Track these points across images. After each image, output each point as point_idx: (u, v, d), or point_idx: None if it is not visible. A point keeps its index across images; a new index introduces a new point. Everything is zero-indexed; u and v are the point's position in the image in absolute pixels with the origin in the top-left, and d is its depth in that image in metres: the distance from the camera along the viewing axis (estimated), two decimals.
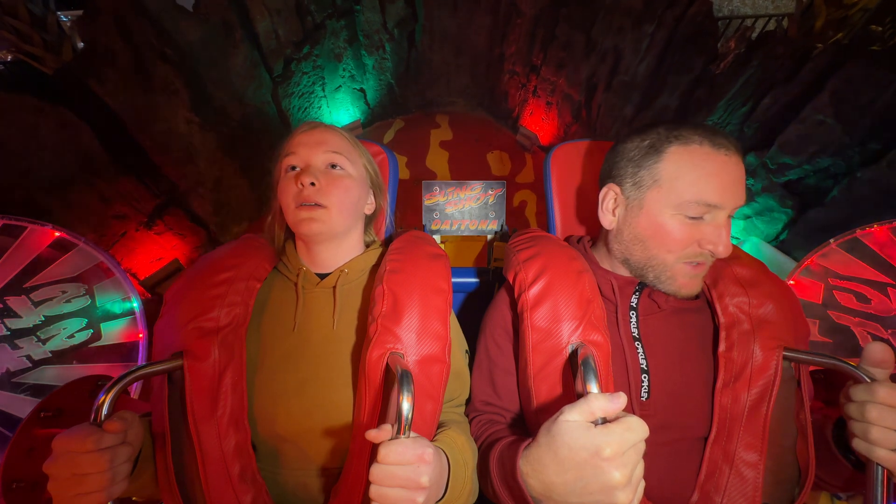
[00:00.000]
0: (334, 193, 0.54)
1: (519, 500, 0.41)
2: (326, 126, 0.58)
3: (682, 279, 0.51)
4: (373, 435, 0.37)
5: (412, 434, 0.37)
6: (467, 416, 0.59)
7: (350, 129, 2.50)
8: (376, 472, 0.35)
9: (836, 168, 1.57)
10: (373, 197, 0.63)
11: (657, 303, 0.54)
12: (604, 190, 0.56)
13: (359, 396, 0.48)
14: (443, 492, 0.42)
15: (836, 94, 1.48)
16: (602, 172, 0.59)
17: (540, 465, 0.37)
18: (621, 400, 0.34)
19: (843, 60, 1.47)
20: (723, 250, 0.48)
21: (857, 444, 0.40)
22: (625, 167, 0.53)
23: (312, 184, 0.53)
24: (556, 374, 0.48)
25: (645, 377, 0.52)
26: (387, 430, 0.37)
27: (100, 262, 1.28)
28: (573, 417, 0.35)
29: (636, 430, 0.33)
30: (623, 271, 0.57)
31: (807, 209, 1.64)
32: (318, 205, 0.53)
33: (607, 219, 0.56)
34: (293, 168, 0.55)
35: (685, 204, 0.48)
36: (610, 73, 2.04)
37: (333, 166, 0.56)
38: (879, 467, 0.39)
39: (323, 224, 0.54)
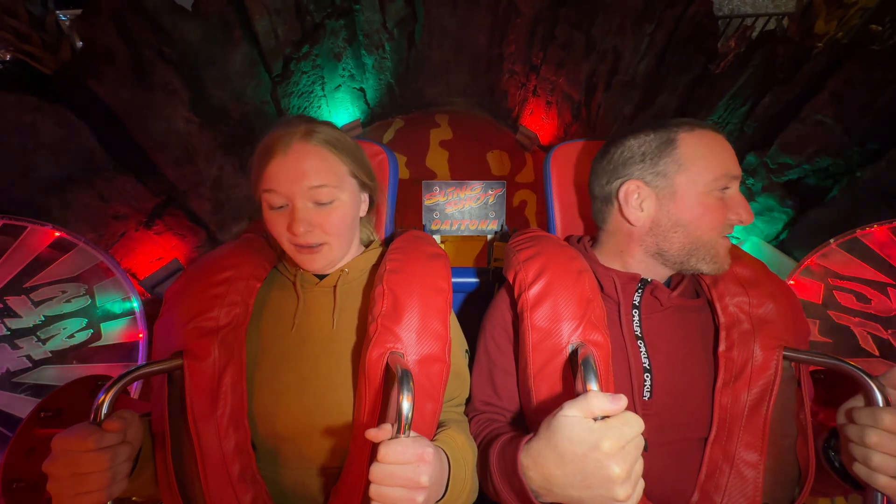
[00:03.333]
0: (329, 230, 0.52)
1: (519, 494, 0.41)
2: (301, 141, 0.51)
3: (723, 253, 0.53)
4: (373, 434, 0.37)
5: (412, 434, 0.37)
6: (467, 415, 0.59)
7: (349, 128, 2.49)
8: (376, 471, 0.35)
9: (836, 168, 1.57)
10: (365, 196, 0.61)
11: (659, 300, 0.54)
12: (624, 188, 0.54)
13: (359, 396, 0.48)
14: (443, 491, 0.42)
15: (836, 94, 1.48)
16: (604, 175, 0.57)
17: (540, 458, 0.38)
18: (621, 402, 0.35)
19: (843, 60, 1.47)
20: (748, 217, 0.52)
21: (858, 469, 0.40)
22: (639, 162, 0.53)
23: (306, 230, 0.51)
24: (556, 374, 0.48)
25: (648, 376, 0.52)
26: (386, 429, 0.37)
27: (100, 262, 1.28)
28: (573, 413, 0.35)
29: (633, 425, 0.34)
30: (637, 267, 0.56)
31: (807, 209, 1.64)
32: (316, 244, 0.52)
33: (635, 214, 0.54)
34: (278, 206, 0.51)
35: (715, 179, 0.51)
36: (610, 73, 2.04)
37: (321, 202, 0.51)
38: (879, 493, 0.39)
39: (324, 258, 0.54)
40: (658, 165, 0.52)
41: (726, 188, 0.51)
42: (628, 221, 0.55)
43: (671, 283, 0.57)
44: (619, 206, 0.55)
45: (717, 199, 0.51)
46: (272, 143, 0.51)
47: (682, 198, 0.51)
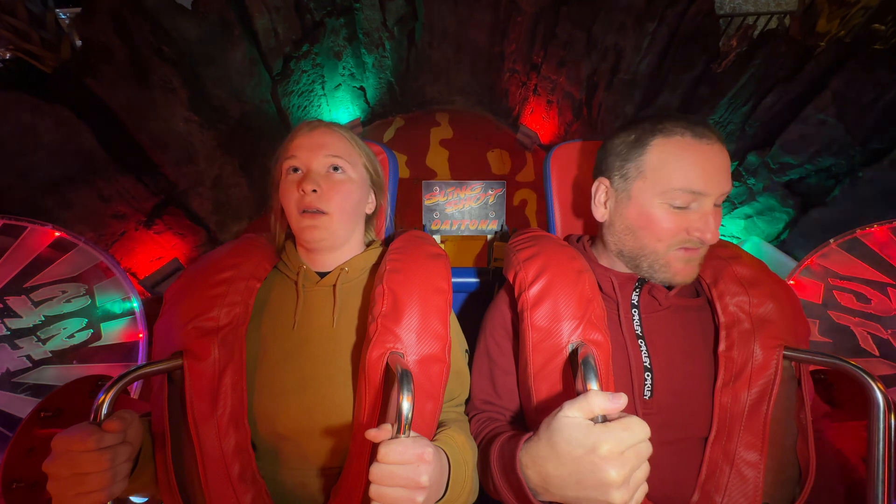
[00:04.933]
0: (335, 199, 0.54)
1: (518, 493, 0.41)
2: (326, 126, 0.58)
3: (677, 265, 0.52)
4: (373, 434, 0.37)
5: (412, 434, 0.37)
6: (467, 415, 0.59)
7: (350, 127, 2.49)
8: (376, 471, 0.35)
9: (838, 168, 1.56)
10: (373, 196, 0.63)
11: (657, 299, 0.54)
12: (595, 184, 0.58)
13: (359, 396, 0.48)
14: (443, 491, 0.42)
15: (838, 94, 1.47)
16: (594, 170, 0.61)
17: (539, 457, 0.38)
18: (621, 400, 0.34)
19: (845, 59, 1.47)
20: (710, 237, 0.49)
21: None
22: (613, 161, 0.55)
23: (314, 190, 0.53)
24: (556, 374, 0.48)
25: (648, 375, 0.52)
26: (386, 429, 0.37)
27: (100, 262, 1.28)
28: (573, 413, 0.35)
29: (635, 431, 0.34)
30: (621, 267, 0.58)
31: (808, 209, 1.64)
32: (319, 211, 0.53)
33: (599, 211, 0.57)
34: (294, 170, 0.55)
35: (671, 192, 0.49)
36: (611, 72, 2.03)
37: (335, 169, 0.56)
38: (880, 463, 0.39)
39: (325, 230, 0.54)
40: (624, 168, 0.53)
41: (686, 205, 0.49)
42: (595, 217, 0.58)
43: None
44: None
45: (668, 212, 0.50)
46: (299, 127, 0.58)
47: (635, 204, 0.52)
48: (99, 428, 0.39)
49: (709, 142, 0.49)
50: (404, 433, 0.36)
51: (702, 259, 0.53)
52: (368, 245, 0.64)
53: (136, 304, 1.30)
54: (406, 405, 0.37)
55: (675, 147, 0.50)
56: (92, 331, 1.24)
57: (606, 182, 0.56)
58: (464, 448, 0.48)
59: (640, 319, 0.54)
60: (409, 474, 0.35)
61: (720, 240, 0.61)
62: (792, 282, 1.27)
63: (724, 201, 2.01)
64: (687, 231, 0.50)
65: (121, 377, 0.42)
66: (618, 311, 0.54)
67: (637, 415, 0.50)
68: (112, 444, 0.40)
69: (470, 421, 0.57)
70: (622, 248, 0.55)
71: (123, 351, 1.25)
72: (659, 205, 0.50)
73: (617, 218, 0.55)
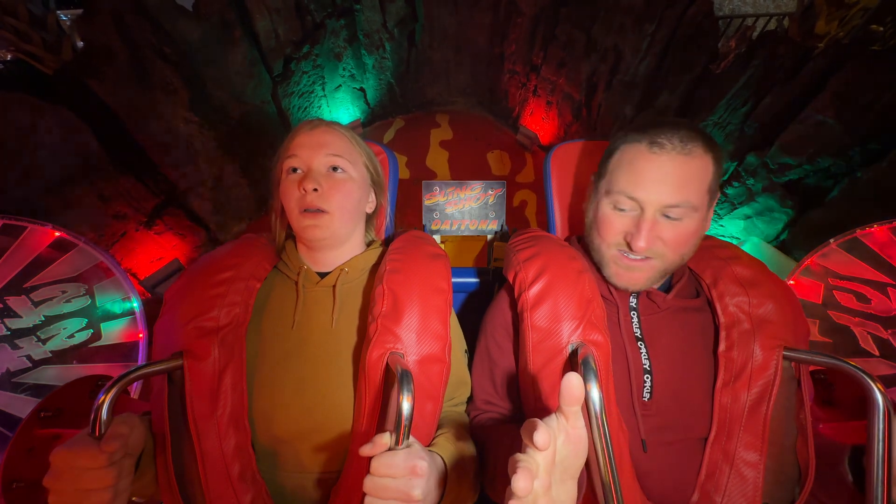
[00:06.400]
0: (335, 198, 0.54)
1: None
2: (327, 125, 0.58)
3: (614, 267, 0.54)
4: (367, 450, 0.37)
5: (410, 439, 0.37)
6: (468, 414, 0.59)
7: (350, 128, 2.49)
8: (369, 483, 0.36)
9: (837, 168, 1.57)
10: (374, 195, 0.63)
11: (655, 302, 0.54)
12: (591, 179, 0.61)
13: (359, 396, 0.48)
14: (440, 497, 0.42)
15: (837, 94, 1.48)
16: None
17: None
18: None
19: (844, 60, 1.47)
20: (640, 245, 0.49)
21: None
22: (601, 159, 0.58)
23: (315, 189, 0.53)
24: (556, 374, 0.48)
25: (648, 377, 0.52)
26: (380, 443, 0.37)
27: (100, 262, 1.28)
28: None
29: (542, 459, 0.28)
30: None
31: (807, 209, 1.64)
32: (320, 210, 0.53)
33: (585, 205, 0.60)
34: (295, 169, 0.55)
35: (613, 193, 0.52)
36: (610, 73, 2.03)
37: (335, 168, 0.56)
38: (880, 463, 0.39)
39: (326, 229, 0.54)
40: (601, 167, 0.56)
41: (628, 209, 0.50)
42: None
43: (671, 282, 0.58)
44: None
45: (611, 213, 0.52)
46: (300, 126, 0.58)
47: (597, 202, 0.55)
48: (97, 444, 0.39)
49: (661, 151, 0.48)
50: (404, 434, 0.37)
51: (657, 273, 0.52)
52: (369, 245, 0.64)
53: (136, 305, 1.30)
54: (406, 405, 0.37)
55: (630, 152, 0.51)
56: (92, 331, 1.24)
57: (593, 179, 0.58)
58: (462, 452, 0.48)
59: (639, 321, 0.54)
60: (401, 487, 0.35)
61: (720, 240, 0.61)
62: (792, 282, 1.27)
63: (724, 202, 1.98)
64: (623, 235, 0.51)
65: (121, 377, 0.42)
66: (617, 313, 0.55)
67: (636, 416, 0.50)
68: (116, 461, 0.39)
69: (472, 422, 0.57)
70: (589, 243, 0.58)
71: (123, 351, 1.25)
72: (606, 204, 0.53)
73: (588, 212, 0.58)
